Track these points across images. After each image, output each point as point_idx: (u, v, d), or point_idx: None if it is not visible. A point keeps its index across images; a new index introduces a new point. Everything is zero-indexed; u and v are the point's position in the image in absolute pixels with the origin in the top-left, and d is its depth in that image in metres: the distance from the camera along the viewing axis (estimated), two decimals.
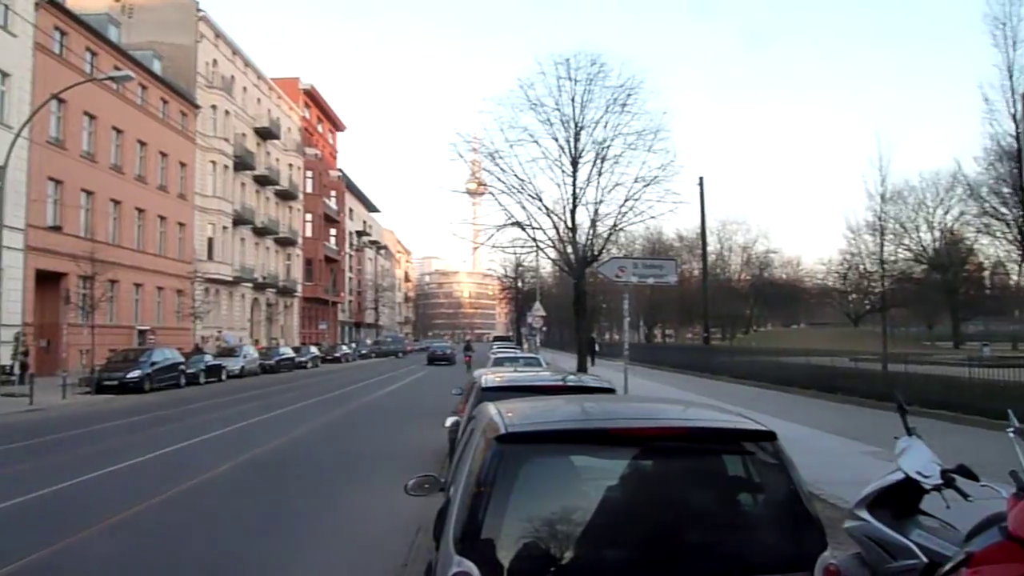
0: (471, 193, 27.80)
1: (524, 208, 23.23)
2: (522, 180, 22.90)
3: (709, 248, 58.55)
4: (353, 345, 66.87)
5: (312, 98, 69.73)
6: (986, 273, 59.98)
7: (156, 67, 39.36)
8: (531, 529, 2.61)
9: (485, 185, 24.83)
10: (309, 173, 64.49)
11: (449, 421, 7.65)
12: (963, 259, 56.66)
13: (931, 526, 3.95)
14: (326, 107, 74.50)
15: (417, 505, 5.63)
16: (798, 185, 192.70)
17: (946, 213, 55.74)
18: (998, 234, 16.84)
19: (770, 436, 2.85)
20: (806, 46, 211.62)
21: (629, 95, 22.18)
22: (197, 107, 42.98)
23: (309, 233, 64.11)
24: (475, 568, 2.50)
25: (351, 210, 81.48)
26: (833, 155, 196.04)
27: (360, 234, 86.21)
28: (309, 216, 64.29)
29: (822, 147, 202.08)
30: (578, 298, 24.19)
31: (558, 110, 22.64)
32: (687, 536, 2.71)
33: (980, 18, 14.88)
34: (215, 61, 46.40)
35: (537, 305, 34.21)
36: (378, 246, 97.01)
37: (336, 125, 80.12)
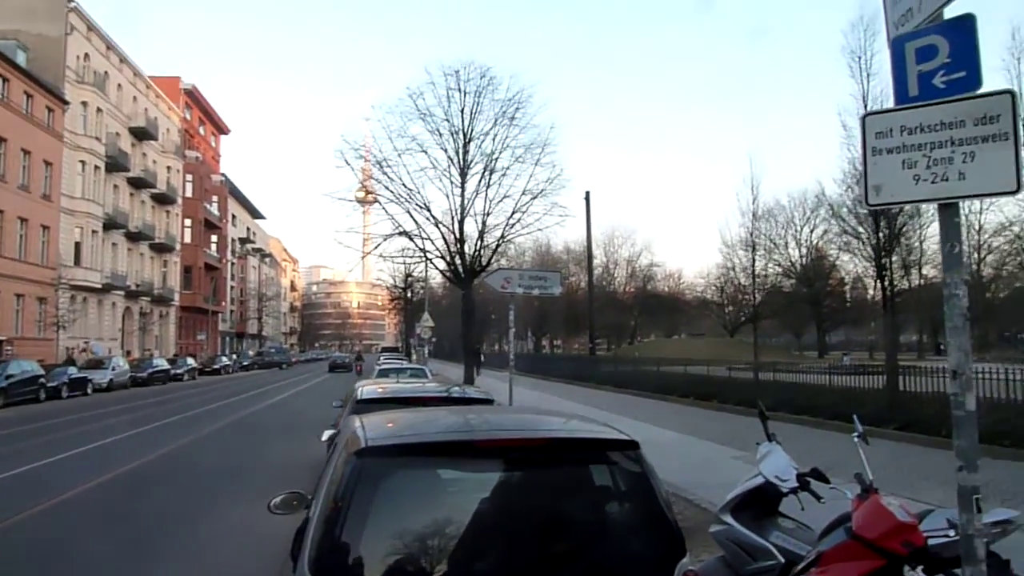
0: (360, 201, 27.30)
1: (412, 218, 23.07)
2: (410, 189, 22.76)
3: (596, 261, 60.08)
4: (234, 356, 64.36)
5: (194, 99, 66.82)
6: (847, 287, 64.33)
7: (20, 58, 36.62)
8: (395, 546, 2.54)
9: (373, 193, 24.47)
10: (189, 177, 61.67)
11: (326, 435, 7.40)
12: (827, 274, 60.58)
13: (788, 527, 4.14)
14: (209, 108, 71.58)
15: (290, 525, 5.40)
16: (680, 202, 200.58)
17: (812, 231, 59.50)
18: (856, 251, 18.13)
19: (633, 445, 2.89)
20: (686, 69, 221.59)
21: (518, 108, 22.49)
22: (66, 103, 40.27)
23: (188, 239, 61.26)
24: None
25: (234, 216, 78.54)
26: (712, 174, 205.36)
27: (243, 241, 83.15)
28: (188, 221, 61.46)
29: (702, 167, 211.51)
30: (466, 309, 24.18)
31: (447, 121, 22.66)
32: (552, 547, 2.71)
33: (839, 50, 15.86)
34: (87, 55, 43.68)
35: (426, 316, 33.91)
36: (262, 254, 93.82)
37: (219, 128, 77.08)
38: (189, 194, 61.39)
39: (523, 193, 22.73)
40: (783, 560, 3.86)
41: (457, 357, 42.72)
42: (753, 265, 31.14)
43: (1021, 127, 2.77)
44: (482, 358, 32.83)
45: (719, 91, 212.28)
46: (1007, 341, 52.75)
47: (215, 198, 68.38)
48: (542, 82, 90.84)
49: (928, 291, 37.85)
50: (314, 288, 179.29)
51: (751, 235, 28.51)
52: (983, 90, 2.80)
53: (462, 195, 22.89)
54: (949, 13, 2.80)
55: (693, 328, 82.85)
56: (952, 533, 3.47)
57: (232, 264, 77.89)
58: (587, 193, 36.32)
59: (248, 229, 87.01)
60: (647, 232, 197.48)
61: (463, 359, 26.41)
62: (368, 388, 7.02)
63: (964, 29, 2.78)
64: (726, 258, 58.21)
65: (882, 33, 3.10)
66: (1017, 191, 2.78)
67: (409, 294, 54.31)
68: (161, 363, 42.57)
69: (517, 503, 2.83)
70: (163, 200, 55.89)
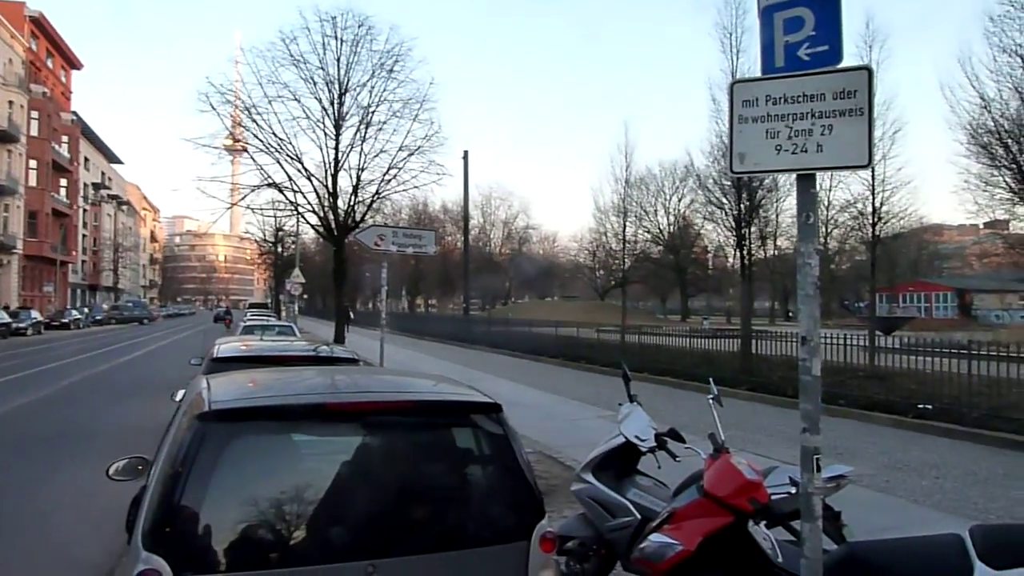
0: (227, 149, 25.83)
1: (283, 169, 22.11)
2: (281, 139, 21.74)
3: (472, 222, 60.24)
4: (85, 310, 60.11)
5: (41, 28, 60.72)
6: (709, 255, 67.87)
7: None
8: (242, 515, 2.40)
9: (241, 141, 23.22)
10: (35, 114, 56.24)
11: (180, 394, 7.00)
12: (692, 242, 63.69)
13: (646, 485, 4.28)
14: (58, 40, 65.32)
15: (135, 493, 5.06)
16: (558, 166, 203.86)
17: (680, 200, 62.36)
18: (719, 221, 18.99)
19: (496, 408, 2.86)
20: (566, 37, 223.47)
21: (396, 61, 21.88)
22: None
23: (33, 182, 56.08)
24: (165, 565, 2.23)
25: (87, 159, 72.74)
26: (589, 140, 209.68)
27: (97, 187, 77.30)
28: (34, 163, 56.20)
29: (580, 132, 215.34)
30: (338, 266, 23.59)
31: (322, 69, 21.75)
32: (412, 511, 2.65)
33: (712, 26, 16.27)
34: None
35: (296, 272, 32.78)
36: (119, 201, 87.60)
37: (71, 62, 70.61)
38: (35, 133, 56.12)
39: (400, 149, 22.25)
40: (639, 517, 3.98)
41: (329, 315, 41.83)
42: (624, 231, 32.08)
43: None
44: (351, 316, 32.27)
45: (597, 58, 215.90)
46: (846, 309, 57.47)
47: (65, 139, 62.94)
48: (421, 37, 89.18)
49: (781, 261, 40.41)
50: (177, 240, 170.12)
51: (623, 201, 29.43)
52: (843, 65, 2.90)
53: (336, 148, 22.16)
54: None
55: (566, 291, 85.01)
56: (793, 490, 3.68)
57: (84, 211, 72.44)
58: (465, 152, 36.11)
59: (103, 174, 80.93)
60: (524, 194, 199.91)
61: (335, 317, 25.82)
62: (227, 346, 6.63)
63: (829, 2, 2.85)
64: (599, 223, 60.11)
65: (752, 12, 3.14)
66: (868, 165, 2.90)
67: (279, 249, 52.34)
68: (1, 316, 39.14)
69: (377, 467, 2.74)
70: (4, 138, 50.80)
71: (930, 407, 10.98)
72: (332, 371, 4.38)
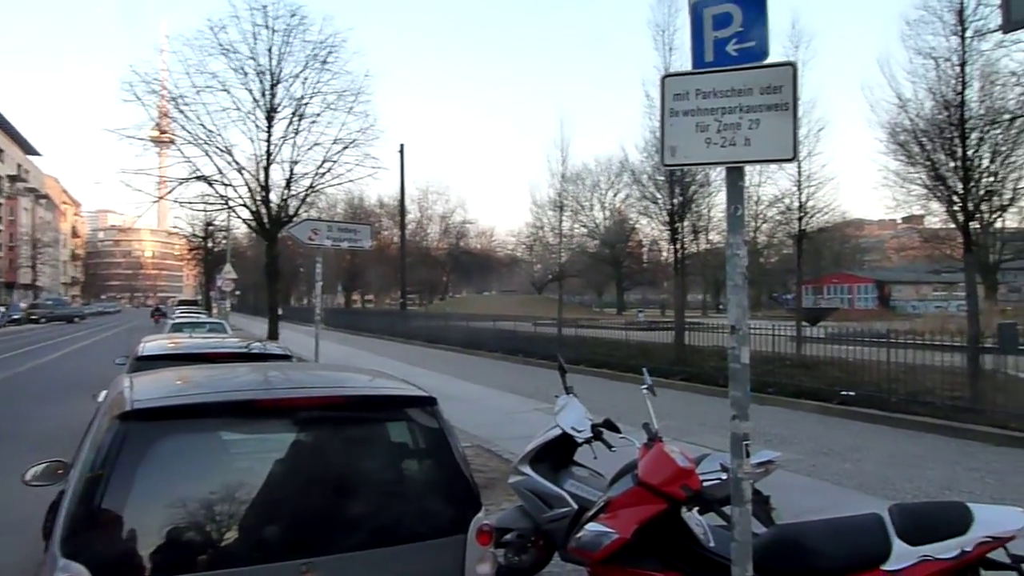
0: (154, 141, 24.95)
1: (213, 162, 21.47)
2: (210, 131, 21.09)
3: (410, 216, 59.88)
4: (2, 309, 57.34)
5: None
6: (644, 249, 68.95)
7: None
8: (168, 517, 2.33)
9: (168, 133, 22.45)
10: None
11: (103, 395, 6.73)
12: (627, 237, 64.59)
13: (582, 475, 4.32)
14: None
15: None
16: (495, 161, 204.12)
17: (615, 195, 63.23)
18: (654, 216, 19.28)
19: (431, 402, 2.84)
20: (503, 32, 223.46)
21: (330, 52, 21.43)
22: None
23: None
24: (85, 572, 2.15)
25: (1, 150, 69.36)
26: (526, 135, 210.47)
27: (13, 179, 73.85)
28: None
29: (517, 127, 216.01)
30: (271, 261, 23.08)
31: (253, 59, 21.15)
32: (344, 508, 2.62)
33: (646, 23, 16.50)
34: None
35: (227, 267, 31.90)
36: (37, 194, 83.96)
37: None
38: None
39: (334, 142, 21.85)
40: (576, 507, 4.02)
41: (263, 311, 40.91)
42: (560, 225, 32.40)
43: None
44: (279, 311, 31.86)
45: (534, 55, 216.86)
46: (775, 301, 59.25)
47: None
48: (356, 28, 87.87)
49: (713, 255, 41.39)
50: (100, 235, 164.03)
51: (559, 196, 29.62)
52: (769, 60, 2.97)
53: (268, 140, 21.62)
54: None
55: (504, 285, 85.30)
56: (724, 476, 3.78)
57: None
58: (401, 146, 35.86)
59: (19, 166, 77.42)
60: (461, 189, 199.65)
61: (268, 314, 25.25)
62: (153, 344, 6.40)
63: None
64: (536, 218, 60.61)
65: (684, 10, 3.18)
66: (793, 159, 2.99)
67: (210, 244, 50.86)
68: None
69: (310, 464, 2.69)
70: None
71: (853, 394, 11.41)
72: (264, 367, 4.28)
